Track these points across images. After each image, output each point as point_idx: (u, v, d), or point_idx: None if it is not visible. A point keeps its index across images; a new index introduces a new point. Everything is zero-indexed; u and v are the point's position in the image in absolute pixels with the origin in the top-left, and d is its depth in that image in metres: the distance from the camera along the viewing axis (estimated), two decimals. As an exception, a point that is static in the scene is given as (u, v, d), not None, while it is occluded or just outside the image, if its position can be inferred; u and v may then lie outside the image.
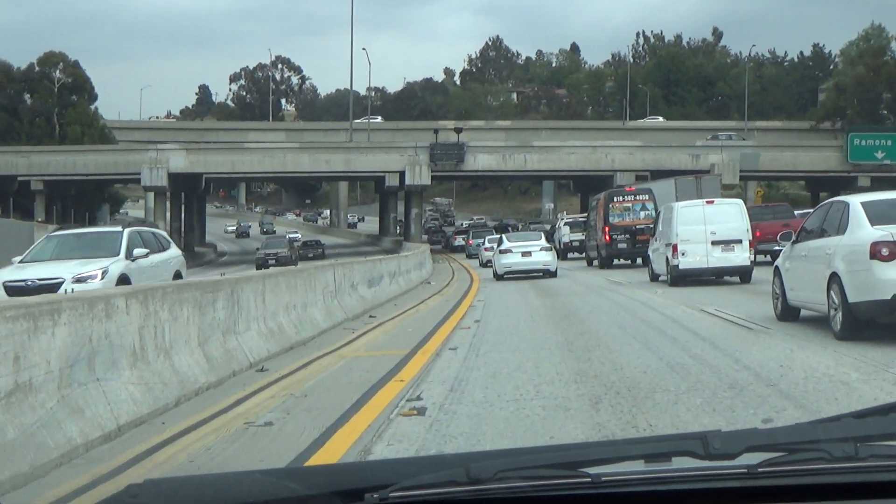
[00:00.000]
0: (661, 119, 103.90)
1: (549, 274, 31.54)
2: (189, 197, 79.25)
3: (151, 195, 71.41)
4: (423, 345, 13.40)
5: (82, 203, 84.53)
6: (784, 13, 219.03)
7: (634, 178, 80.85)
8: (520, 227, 76.58)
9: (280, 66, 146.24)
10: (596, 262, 38.18)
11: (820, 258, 12.58)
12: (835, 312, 11.91)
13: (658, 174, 70.42)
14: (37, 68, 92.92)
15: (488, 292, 25.96)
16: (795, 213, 38.03)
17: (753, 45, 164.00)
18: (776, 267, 14.84)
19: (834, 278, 11.88)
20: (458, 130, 69.36)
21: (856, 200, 12.46)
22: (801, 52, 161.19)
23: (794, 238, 14.28)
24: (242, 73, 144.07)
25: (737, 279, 24.15)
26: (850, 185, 67.78)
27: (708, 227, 23.36)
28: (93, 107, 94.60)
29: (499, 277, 32.20)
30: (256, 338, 11.74)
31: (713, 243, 23.26)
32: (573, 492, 1.92)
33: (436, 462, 2.13)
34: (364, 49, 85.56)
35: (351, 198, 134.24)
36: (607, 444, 2.28)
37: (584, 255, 43.76)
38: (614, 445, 2.19)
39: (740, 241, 23.39)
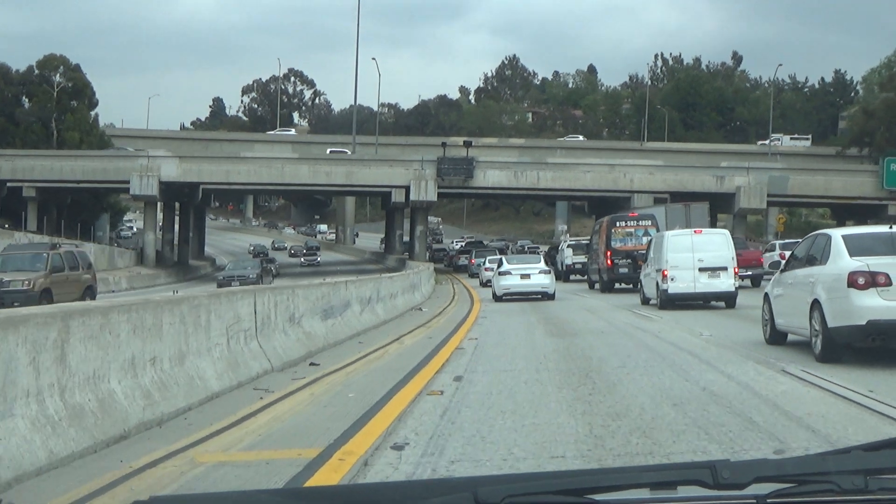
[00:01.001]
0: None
1: (546, 297, 30.81)
2: (185, 208, 74.10)
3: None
4: (354, 434, 7.88)
5: (79, 212, 79.48)
6: (803, 41, 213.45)
7: (653, 201, 75.78)
8: (510, 247, 71.57)
9: (293, 78, 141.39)
10: (598, 286, 37.66)
11: (804, 286, 13.07)
12: (816, 337, 12.42)
13: (679, 196, 65.07)
14: (36, 71, 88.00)
15: (486, 327, 20.47)
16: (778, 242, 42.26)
17: (780, 65, 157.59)
18: (766, 294, 15.23)
19: (815, 305, 12.42)
20: (468, 144, 64.07)
21: (837, 233, 13.22)
22: (822, 79, 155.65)
23: (782, 266, 15.06)
24: (255, 84, 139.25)
25: (722, 304, 24.81)
26: (879, 214, 62.18)
27: (696, 254, 24.25)
28: (93, 113, 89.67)
29: (497, 298, 31.44)
30: (26, 431, 6.25)
31: (700, 270, 24.18)
32: None
33: (443, 485, 2.01)
34: (374, 59, 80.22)
35: (361, 214, 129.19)
36: (615, 472, 2.16)
37: (586, 277, 43.18)
38: (623, 472, 2.09)
39: (726, 269, 24.32)
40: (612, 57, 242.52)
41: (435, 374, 11.92)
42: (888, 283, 11.61)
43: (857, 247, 12.40)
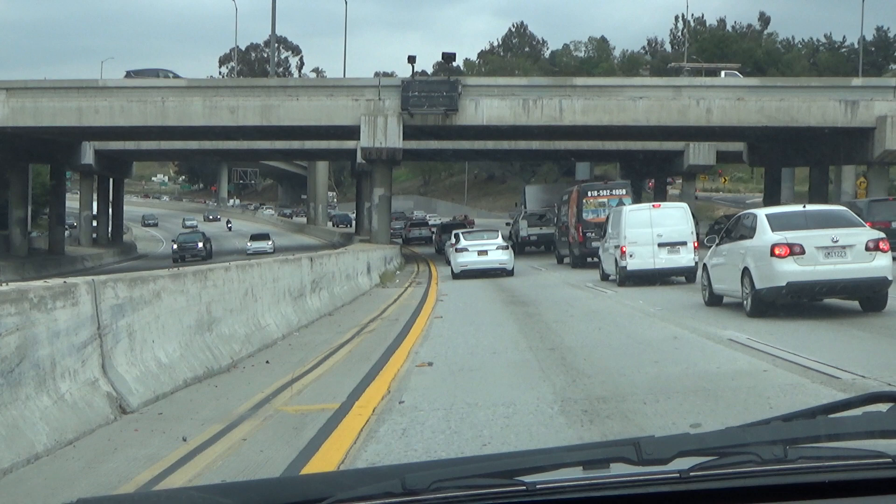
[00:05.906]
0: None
1: (506, 273, 27.72)
2: (58, 174, 48.04)
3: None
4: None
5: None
6: (812, 17, 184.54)
7: (715, 157, 49.31)
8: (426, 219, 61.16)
9: (276, 45, 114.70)
10: (567, 260, 32.05)
11: (736, 256, 14.34)
12: (746, 298, 13.84)
13: (784, 133, 37.95)
14: None
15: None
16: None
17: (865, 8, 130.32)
18: (704, 264, 16.22)
19: (746, 272, 13.83)
20: (450, 57, 37.50)
21: (762, 212, 14.66)
22: (864, 37, 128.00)
23: (717, 241, 15.92)
24: (231, 53, 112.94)
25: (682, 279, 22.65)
26: None
27: (654, 229, 22.12)
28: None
29: (455, 276, 27.92)
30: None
31: (659, 245, 22.09)
32: (509, 500, 1.80)
33: (372, 474, 1.90)
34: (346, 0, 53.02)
35: (351, 191, 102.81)
36: (543, 452, 2.05)
37: (541, 248, 40.53)
38: (550, 453, 2.01)
39: (685, 243, 22.17)
40: (621, 35, 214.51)
41: None
42: (802, 252, 13.07)
43: (778, 223, 13.70)
